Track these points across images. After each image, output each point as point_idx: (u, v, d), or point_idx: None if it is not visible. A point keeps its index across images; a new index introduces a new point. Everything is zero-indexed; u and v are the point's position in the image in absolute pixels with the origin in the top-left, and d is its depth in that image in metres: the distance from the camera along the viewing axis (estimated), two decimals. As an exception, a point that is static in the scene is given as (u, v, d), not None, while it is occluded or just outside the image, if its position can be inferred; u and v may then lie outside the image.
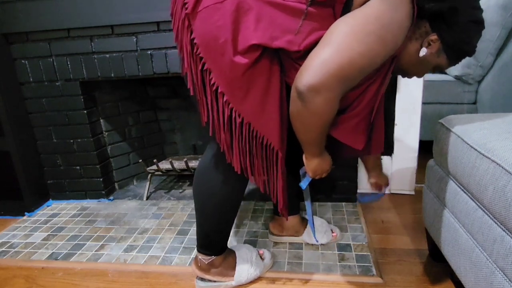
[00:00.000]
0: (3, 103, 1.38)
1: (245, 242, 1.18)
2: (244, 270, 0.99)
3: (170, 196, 1.59)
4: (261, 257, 1.05)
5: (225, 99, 0.73)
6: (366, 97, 0.75)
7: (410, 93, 1.38)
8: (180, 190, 1.65)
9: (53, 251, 1.20)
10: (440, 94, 1.86)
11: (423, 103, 1.41)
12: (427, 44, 0.71)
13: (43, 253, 1.19)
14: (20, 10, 1.33)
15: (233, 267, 0.99)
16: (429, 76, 1.91)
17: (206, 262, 0.95)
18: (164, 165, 1.62)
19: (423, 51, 0.72)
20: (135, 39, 1.33)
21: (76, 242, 1.25)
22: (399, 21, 0.64)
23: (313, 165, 0.84)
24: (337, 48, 0.63)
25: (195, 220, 1.35)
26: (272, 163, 0.82)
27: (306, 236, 1.15)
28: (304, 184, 0.92)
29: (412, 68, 0.77)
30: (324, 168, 0.86)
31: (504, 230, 0.61)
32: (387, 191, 1.52)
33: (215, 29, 0.69)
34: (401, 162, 1.47)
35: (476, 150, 0.70)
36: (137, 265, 1.10)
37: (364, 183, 1.52)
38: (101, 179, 1.57)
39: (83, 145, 1.52)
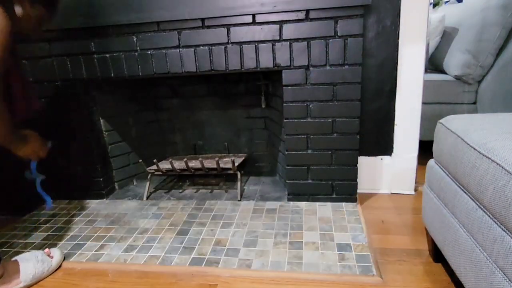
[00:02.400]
0: (3, 103, 1.37)
1: (245, 242, 1.18)
2: (30, 267, 1.01)
3: (170, 196, 1.59)
4: (48, 255, 1.08)
5: None
6: None
7: (410, 93, 1.39)
8: (180, 190, 1.65)
9: (53, 251, 1.20)
10: (440, 94, 1.86)
11: (423, 103, 1.41)
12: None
13: (43, 253, 1.19)
14: (20, 10, 1.32)
15: (17, 271, 1.00)
16: (429, 76, 1.92)
17: None
18: (164, 165, 1.62)
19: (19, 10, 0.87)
20: (135, 39, 1.33)
21: (76, 242, 1.25)
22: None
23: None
24: None
25: (195, 220, 1.35)
26: None
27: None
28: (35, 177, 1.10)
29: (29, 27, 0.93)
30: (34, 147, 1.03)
31: (504, 230, 0.61)
32: (387, 191, 1.52)
33: None
34: (401, 162, 1.47)
35: (476, 150, 0.70)
36: (137, 265, 1.10)
37: (364, 183, 1.53)
38: (101, 179, 1.57)
39: (83, 145, 1.52)
